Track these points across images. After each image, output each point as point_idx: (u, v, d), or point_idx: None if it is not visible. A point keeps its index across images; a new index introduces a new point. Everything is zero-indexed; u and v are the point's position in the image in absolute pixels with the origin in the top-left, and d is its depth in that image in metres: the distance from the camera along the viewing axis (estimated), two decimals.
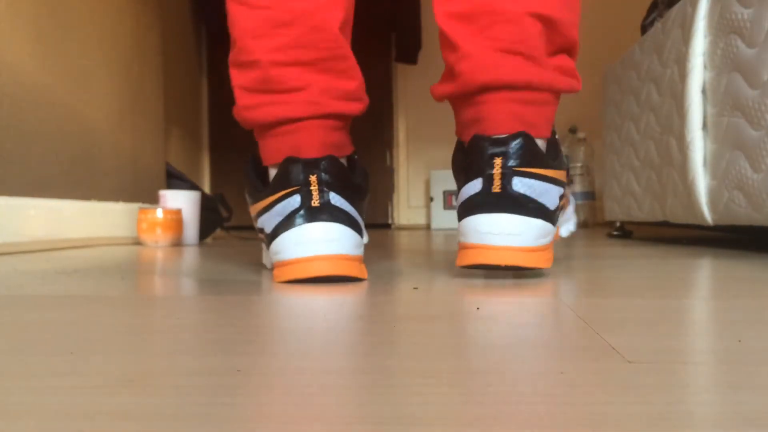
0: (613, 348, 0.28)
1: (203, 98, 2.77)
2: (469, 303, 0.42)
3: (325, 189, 0.54)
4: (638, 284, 0.52)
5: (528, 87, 0.54)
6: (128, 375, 0.24)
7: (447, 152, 2.94)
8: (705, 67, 0.99)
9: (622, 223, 1.52)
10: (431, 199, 2.74)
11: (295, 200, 0.54)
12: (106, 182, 1.36)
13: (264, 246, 0.70)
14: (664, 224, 1.23)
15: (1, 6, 1.00)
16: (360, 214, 0.58)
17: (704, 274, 0.62)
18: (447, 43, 0.59)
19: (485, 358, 0.27)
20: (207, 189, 2.81)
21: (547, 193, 0.54)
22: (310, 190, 0.54)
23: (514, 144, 0.53)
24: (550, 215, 0.54)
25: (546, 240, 0.54)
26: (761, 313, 0.38)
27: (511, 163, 0.53)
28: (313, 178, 0.54)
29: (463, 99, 0.58)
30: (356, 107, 0.59)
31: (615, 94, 1.47)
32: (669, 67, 1.12)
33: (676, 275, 0.60)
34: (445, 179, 2.73)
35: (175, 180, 1.62)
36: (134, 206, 1.45)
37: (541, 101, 0.55)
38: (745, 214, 0.87)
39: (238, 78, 0.59)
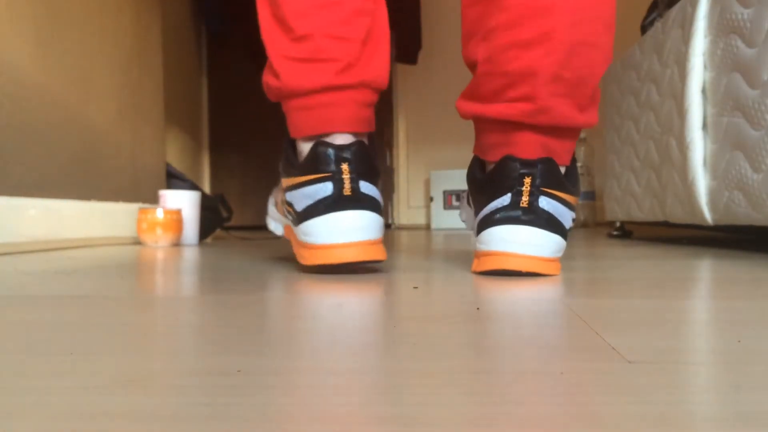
0: (613, 348, 0.28)
1: (203, 98, 2.77)
2: (469, 303, 0.42)
3: (355, 177, 0.60)
4: (638, 284, 0.52)
5: (556, 124, 0.60)
6: (128, 375, 0.24)
7: (447, 152, 2.94)
8: (705, 67, 0.99)
9: (622, 223, 1.52)
10: (431, 199, 2.74)
11: (327, 187, 0.60)
12: (106, 182, 1.36)
13: (280, 215, 0.76)
14: (664, 224, 1.23)
15: (1, 6, 0.99)
16: (381, 193, 0.65)
17: (704, 275, 0.62)
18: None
19: (485, 358, 0.27)
20: (207, 189, 2.81)
21: (564, 214, 0.60)
22: (342, 179, 0.59)
23: (542, 167, 0.58)
24: (565, 233, 0.60)
25: (560, 254, 0.61)
26: (761, 313, 0.38)
27: (539, 182, 0.58)
28: (345, 167, 0.60)
29: (495, 123, 0.62)
30: (386, 82, 0.67)
31: (615, 94, 1.47)
32: (669, 67, 1.12)
33: (676, 275, 0.60)
34: (445, 179, 2.73)
35: (175, 180, 1.62)
36: (134, 206, 1.45)
37: (564, 134, 0.61)
38: (745, 214, 0.87)
39: (286, 49, 0.64)
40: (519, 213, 0.58)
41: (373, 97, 0.65)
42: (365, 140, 0.65)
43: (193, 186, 1.56)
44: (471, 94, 0.64)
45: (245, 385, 0.23)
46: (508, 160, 0.59)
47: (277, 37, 0.65)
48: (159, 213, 1.21)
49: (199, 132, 2.70)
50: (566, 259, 0.79)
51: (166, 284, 0.55)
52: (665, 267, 0.69)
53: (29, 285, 0.54)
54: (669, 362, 0.26)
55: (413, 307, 0.41)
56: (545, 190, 0.59)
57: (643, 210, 1.29)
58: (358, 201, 0.59)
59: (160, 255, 0.95)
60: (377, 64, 0.65)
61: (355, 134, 0.63)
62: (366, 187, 0.60)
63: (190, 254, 0.98)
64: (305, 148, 0.64)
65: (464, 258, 0.82)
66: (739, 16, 0.88)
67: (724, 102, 0.92)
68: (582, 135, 2.47)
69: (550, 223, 0.59)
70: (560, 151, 0.61)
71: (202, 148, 2.75)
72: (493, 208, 0.60)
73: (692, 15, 1.02)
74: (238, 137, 2.79)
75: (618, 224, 1.54)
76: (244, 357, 0.27)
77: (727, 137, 0.91)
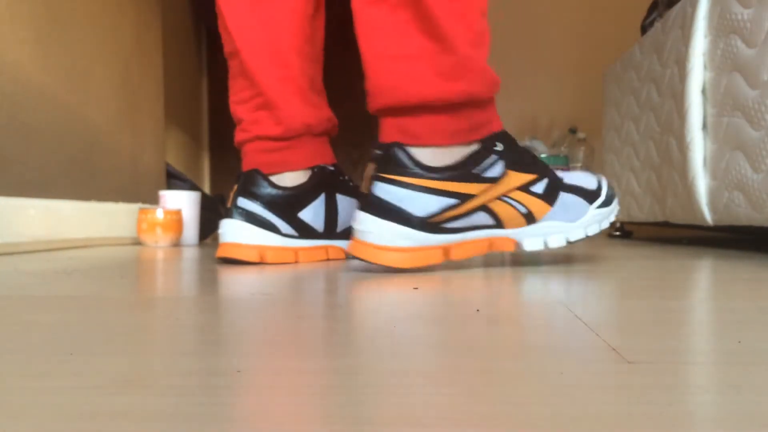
0: (613, 348, 0.28)
1: (203, 98, 2.77)
2: (469, 304, 0.42)
3: (235, 194, 0.77)
4: (638, 284, 0.52)
5: (406, 103, 0.61)
6: (128, 375, 0.24)
7: None
8: (705, 67, 0.99)
9: (623, 223, 1.52)
10: None
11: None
12: (106, 182, 1.36)
13: None
14: (664, 224, 1.23)
15: (1, 6, 1.00)
16: (269, 207, 0.79)
17: (704, 275, 0.62)
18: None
19: (485, 358, 0.27)
20: (207, 189, 2.81)
21: (410, 200, 0.59)
22: (230, 195, 0.81)
23: (384, 153, 0.60)
24: (413, 221, 0.60)
25: (406, 243, 0.60)
26: (761, 313, 0.38)
27: (379, 169, 0.60)
28: (235, 186, 0.81)
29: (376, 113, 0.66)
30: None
31: (615, 94, 1.47)
32: (669, 68, 1.12)
33: (676, 275, 0.60)
34: None
35: (175, 180, 1.62)
36: (134, 206, 1.45)
37: (426, 113, 0.61)
38: (745, 214, 0.87)
39: None
40: (362, 199, 0.62)
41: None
42: (260, 170, 0.78)
43: (193, 186, 1.56)
44: None
45: (245, 385, 0.23)
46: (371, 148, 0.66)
47: None
48: (159, 213, 1.21)
49: (199, 132, 2.70)
50: (566, 259, 0.79)
51: (166, 284, 0.55)
52: (665, 267, 0.69)
53: (29, 285, 0.54)
54: (669, 362, 0.26)
55: (413, 307, 0.41)
56: (380, 175, 0.59)
57: (643, 210, 1.29)
58: (233, 213, 0.76)
59: (160, 255, 0.95)
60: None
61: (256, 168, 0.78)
62: (242, 202, 0.75)
63: (190, 254, 0.98)
64: None
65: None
66: (739, 17, 0.88)
67: (724, 102, 0.92)
68: (582, 135, 2.47)
69: (381, 209, 0.59)
70: (421, 132, 0.60)
71: (202, 148, 2.75)
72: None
73: (692, 15, 1.02)
74: None
75: (618, 224, 1.54)
76: (244, 357, 0.27)
77: (727, 137, 0.91)
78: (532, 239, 0.65)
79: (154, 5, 1.67)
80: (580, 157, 2.47)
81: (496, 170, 0.62)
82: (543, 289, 0.49)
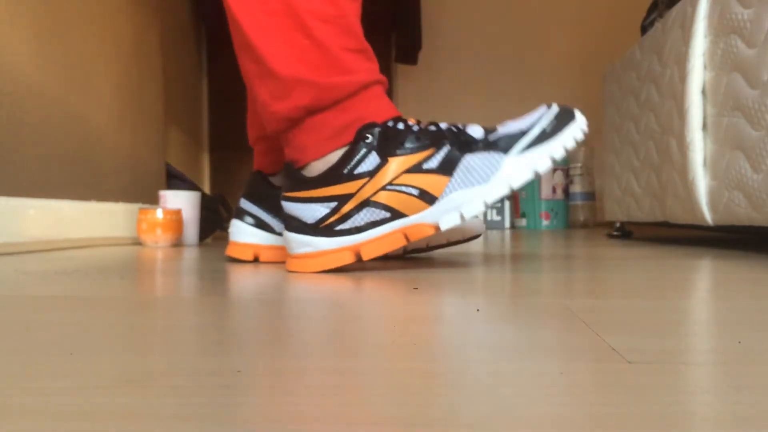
0: (613, 348, 0.28)
1: (203, 98, 2.77)
2: (469, 304, 0.42)
3: (242, 197, 0.84)
4: (638, 284, 0.52)
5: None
6: (128, 375, 0.24)
7: None
8: (705, 67, 0.99)
9: (622, 223, 1.52)
10: None
11: None
12: (106, 182, 1.36)
13: None
14: (664, 224, 1.23)
15: (1, 6, 1.00)
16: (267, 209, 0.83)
17: (704, 275, 0.62)
18: None
19: (485, 358, 0.27)
20: (207, 189, 2.81)
21: (305, 210, 0.63)
22: None
23: (283, 175, 0.67)
24: (308, 228, 0.63)
25: (307, 249, 0.63)
26: (761, 313, 0.38)
27: (283, 190, 0.65)
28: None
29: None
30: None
31: (615, 94, 1.47)
32: (669, 68, 1.12)
33: (676, 275, 0.60)
34: None
35: (175, 180, 1.62)
36: (134, 206, 1.45)
37: (285, 134, 0.65)
38: (745, 214, 0.87)
39: None
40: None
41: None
42: (262, 171, 0.81)
43: (193, 186, 1.56)
44: None
45: (245, 385, 0.23)
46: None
47: None
48: (159, 213, 1.21)
49: (199, 132, 2.70)
50: (566, 259, 0.79)
51: (166, 284, 0.55)
52: (665, 267, 0.69)
53: (29, 285, 0.54)
54: (669, 362, 0.26)
55: (413, 307, 0.41)
56: (284, 194, 0.65)
57: (643, 210, 1.30)
58: (236, 214, 0.81)
59: (160, 255, 0.95)
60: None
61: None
62: (243, 203, 0.81)
63: (190, 255, 0.98)
64: None
65: (463, 259, 0.82)
66: (739, 17, 0.88)
67: (724, 102, 0.92)
68: None
69: (290, 224, 0.64)
70: (306, 143, 0.63)
71: (202, 148, 2.75)
72: None
73: (692, 15, 1.02)
74: (238, 137, 2.79)
75: (618, 224, 1.54)
76: (244, 357, 0.27)
77: (727, 137, 0.91)
78: (446, 216, 0.61)
79: (154, 5, 1.67)
80: (580, 157, 2.46)
81: (369, 163, 0.61)
82: (543, 289, 0.49)
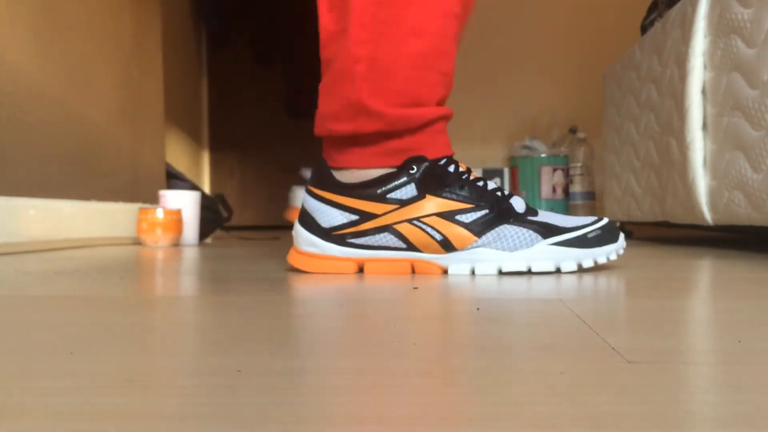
0: (613, 348, 0.28)
1: (203, 98, 2.77)
2: (469, 303, 0.42)
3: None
4: (638, 284, 0.52)
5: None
6: (128, 375, 0.24)
7: None
8: (705, 67, 0.99)
9: (622, 223, 1.52)
10: None
11: None
12: (106, 182, 1.36)
13: None
14: (664, 224, 1.23)
15: (1, 6, 1.00)
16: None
17: (704, 275, 0.62)
18: None
19: (485, 358, 0.27)
20: (207, 189, 2.81)
21: (319, 212, 0.64)
22: None
23: (314, 167, 0.67)
24: (319, 232, 0.64)
25: (314, 249, 0.64)
26: (761, 313, 0.38)
27: (309, 181, 0.67)
28: None
29: None
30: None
31: (615, 94, 1.47)
32: (669, 68, 1.12)
33: (676, 275, 0.60)
34: None
35: (175, 180, 1.62)
36: (134, 206, 1.45)
37: (338, 142, 0.65)
38: (745, 214, 0.87)
39: None
40: None
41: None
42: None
43: (193, 186, 1.56)
44: None
45: (245, 385, 0.23)
46: None
47: None
48: (159, 213, 1.21)
49: (199, 132, 2.70)
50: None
51: (166, 284, 0.55)
52: (665, 267, 0.69)
53: (29, 285, 0.54)
54: (669, 362, 0.26)
55: (413, 307, 0.41)
56: (307, 187, 0.66)
57: (643, 210, 1.30)
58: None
59: (160, 255, 0.95)
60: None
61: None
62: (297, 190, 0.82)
63: (190, 254, 0.98)
64: None
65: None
66: (739, 16, 0.88)
67: (724, 102, 0.92)
68: (582, 135, 2.47)
69: (303, 218, 0.65)
70: (339, 149, 0.65)
71: (202, 148, 2.75)
72: None
73: (692, 15, 1.02)
74: (238, 137, 2.79)
75: (618, 224, 1.54)
76: (244, 357, 0.27)
77: (727, 137, 0.91)
78: (458, 265, 0.62)
79: (154, 5, 1.67)
80: (580, 157, 2.47)
81: (405, 192, 0.62)
82: (544, 289, 0.49)
